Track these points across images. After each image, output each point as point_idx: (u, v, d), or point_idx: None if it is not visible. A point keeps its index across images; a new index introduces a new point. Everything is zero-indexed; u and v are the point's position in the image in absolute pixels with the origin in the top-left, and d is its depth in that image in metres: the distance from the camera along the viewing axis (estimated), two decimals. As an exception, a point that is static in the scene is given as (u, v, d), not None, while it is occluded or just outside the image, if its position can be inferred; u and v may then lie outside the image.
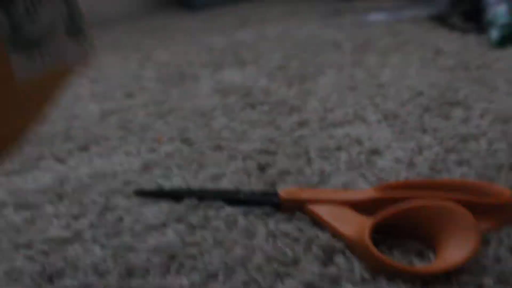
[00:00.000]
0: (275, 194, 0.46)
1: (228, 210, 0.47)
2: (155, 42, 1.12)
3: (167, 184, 0.52)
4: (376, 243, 0.39)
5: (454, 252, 0.38)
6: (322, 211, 0.43)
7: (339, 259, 0.39)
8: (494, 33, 0.81)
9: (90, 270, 0.41)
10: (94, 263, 0.41)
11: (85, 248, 0.43)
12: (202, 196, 0.48)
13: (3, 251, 0.44)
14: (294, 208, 0.45)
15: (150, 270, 0.40)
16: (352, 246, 0.40)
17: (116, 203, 0.50)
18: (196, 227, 0.45)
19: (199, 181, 0.52)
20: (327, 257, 0.40)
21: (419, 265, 0.38)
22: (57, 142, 0.65)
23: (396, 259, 0.39)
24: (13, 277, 0.41)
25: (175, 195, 0.49)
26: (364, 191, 0.45)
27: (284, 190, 0.46)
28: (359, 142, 0.57)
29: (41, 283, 0.40)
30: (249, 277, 0.39)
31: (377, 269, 0.38)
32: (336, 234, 0.41)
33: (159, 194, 0.50)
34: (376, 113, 0.63)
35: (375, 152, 0.54)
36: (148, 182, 0.53)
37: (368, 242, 0.38)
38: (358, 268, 0.38)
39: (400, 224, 0.40)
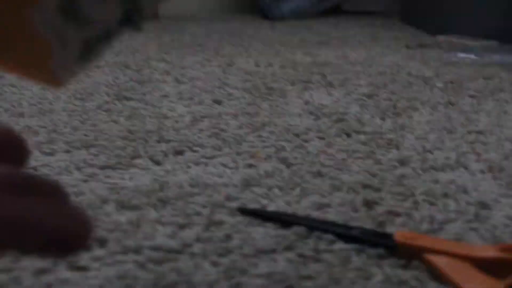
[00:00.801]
0: (390, 236, 0.45)
1: (340, 245, 0.45)
2: (235, 48, 1.11)
3: (270, 206, 0.51)
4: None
5: None
6: (442, 262, 0.42)
7: (463, 320, 0.38)
8: None
9: (204, 288, 0.40)
10: (208, 282, 0.41)
11: (195, 262, 0.43)
12: (311, 225, 0.47)
13: (113, 253, 0.43)
14: (409, 254, 0.44)
15: (267, 298, 0.39)
16: (479, 308, 0.38)
17: (221, 218, 0.49)
18: (308, 258, 0.44)
19: (303, 208, 0.51)
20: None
21: None
22: (151, 142, 0.65)
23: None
24: (126, 283, 0.40)
25: (282, 220, 0.48)
26: (486, 248, 0.43)
27: (400, 233, 0.45)
28: (465, 191, 0.55)
29: (155, 294, 0.39)
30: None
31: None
32: (459, 290, 0.40)
33: (264, 216, 0.49)
34: (479, 163, 0.62)
35: (483, 205, 0.53)
36: (250, 200, 0.52)
37: (502, 308, 0.37)
38: (485, 332, 0.37)
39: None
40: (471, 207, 0.52)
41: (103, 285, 0.40)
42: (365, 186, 0.55)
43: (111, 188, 0.54)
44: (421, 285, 0.41)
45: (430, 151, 0.64)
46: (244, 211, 0.50)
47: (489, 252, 0.42)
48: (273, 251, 0.45)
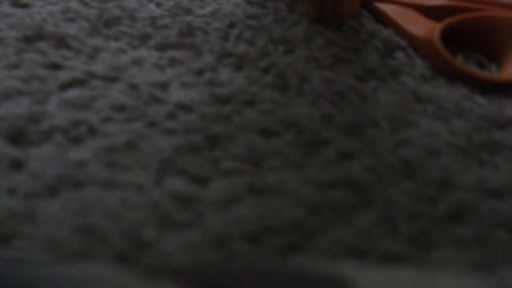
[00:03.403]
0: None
1: (288, -6, 0.45)
2: None
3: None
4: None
5: (519, 66, 0.37)
6: (389, 9, 0.42)
7: (400, 54, 0.39)
8: None
9: (148, 22, 0.40)
10: (152, 17, 0.41)
11: (141, 2, 0.42)
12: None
13: (57, -8, 0.43)
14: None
15: (210, 32, 0.40)
16: (417, 45, 0.39)
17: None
18: (254, 3, 0.44)
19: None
20: (388, 51, 0.39)
21: (484, 73, 0.38)
22: None
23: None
24: (68, 17, 0.40)
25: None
26: (435, -1, 0.43)
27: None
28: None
29: (97, 26, 0.39)
30: (310, 54, 0.38)
31: (439, 69, 0.38)
32: (400, 33, 0.40)
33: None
34: None
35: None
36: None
37: (437, 41, 0.37)
38: (419, 65, 0.38)
39: (468, 33, 0.40)
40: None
41: (46, 18, 0.40)
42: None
43: None
44: (363, 27, 0.41)
45: None
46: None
47: (435, 1, 0.43)
48: (220, -3, 0.44)
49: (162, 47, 0.38)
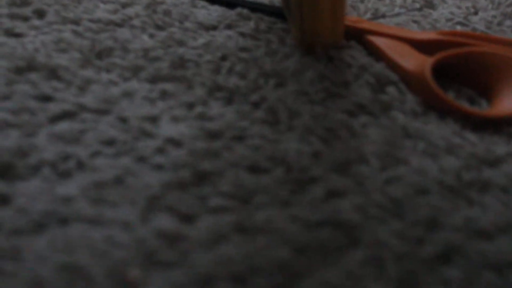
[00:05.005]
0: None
1: (281, 25, 0.45)
2: None
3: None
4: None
5: (509, 103, 0.37)
6: (381, 43, 0.42)
7: (392, 89, 0.39)
8: None
9: (140, 54, 0.40)
10: (145, 49, 0.41)
11: (134, 33, 0.42)
12: (256, 8, 0.47)
13: (51, 23, 0.43)
14: (351, 36, 0.44)
15: (201, 65, 0.40)
16: (408, 79, 0.39)
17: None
18: (247, 35, 0.44)
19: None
20: (379, 86, 0.40)
21: (475, 108, 0.38)
22: None
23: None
24: (61, 48, 0.40)
25: (228, 2, 0.48)
26: (427, 32, 0.44)
27: (345, 17, 0.45)
28: (414, -9, 0.55)
29: (90, 57, 0.39)
30: (301, 88, 0.38)
31: (430, 104, 0.38)
32: (392, 66, 0.41)
33: None
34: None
35: (429, 3, 0.53)
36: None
37: (428, 75, 0.38)
38: (410, 100, 0.38)
39: (459, 67, 0.40)
40: (417, 4, 0.52)
41: (38, 48, 0.40)
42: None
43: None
44: (355, 60, 0.41)
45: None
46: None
47: (427, 35, 0.43)
48: (214, 28, 0.45)
49: (153, 80, 0.38)
